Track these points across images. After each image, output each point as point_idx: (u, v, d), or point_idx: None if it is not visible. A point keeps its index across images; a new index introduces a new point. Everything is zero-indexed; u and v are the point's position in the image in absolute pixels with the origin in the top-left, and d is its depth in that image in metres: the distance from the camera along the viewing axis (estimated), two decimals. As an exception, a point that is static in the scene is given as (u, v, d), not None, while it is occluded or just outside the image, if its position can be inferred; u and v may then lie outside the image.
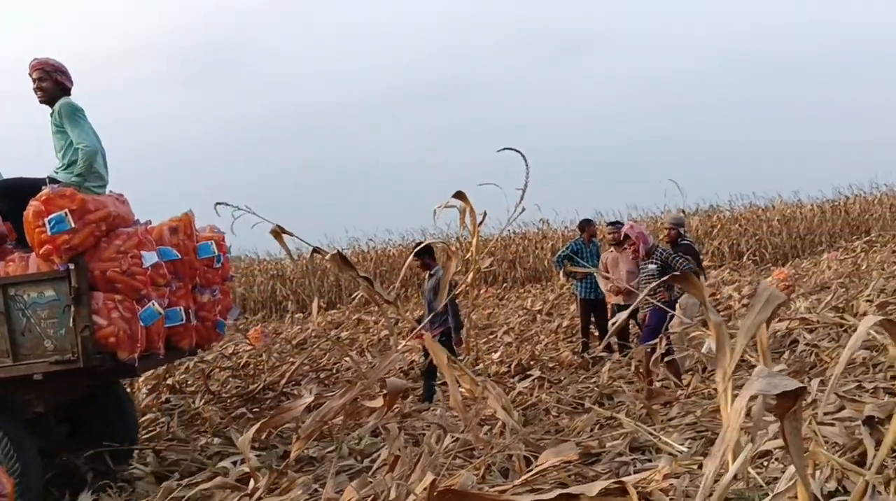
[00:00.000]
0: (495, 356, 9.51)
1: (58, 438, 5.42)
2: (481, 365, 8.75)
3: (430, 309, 8.03)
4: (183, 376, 9.28)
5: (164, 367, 9.05)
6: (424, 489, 2.97)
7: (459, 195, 4.06)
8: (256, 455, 5.03)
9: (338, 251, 4.49)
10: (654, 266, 7.08)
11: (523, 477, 3.57)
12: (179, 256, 5.60)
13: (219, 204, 4.40)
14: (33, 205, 4.72)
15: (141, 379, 8.81)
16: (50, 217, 4.67)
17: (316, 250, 5.64)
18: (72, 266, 4.70)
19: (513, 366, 8.78)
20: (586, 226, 9.84)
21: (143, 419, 7.33)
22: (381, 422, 6.08)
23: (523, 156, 4.04)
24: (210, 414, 7.42)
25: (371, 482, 3.43)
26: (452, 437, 4.90)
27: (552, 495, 2.31)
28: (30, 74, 5.28)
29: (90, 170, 5.19)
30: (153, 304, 5.00)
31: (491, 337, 11.44)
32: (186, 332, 5.67)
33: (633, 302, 7.39)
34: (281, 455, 5.73)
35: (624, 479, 2.59)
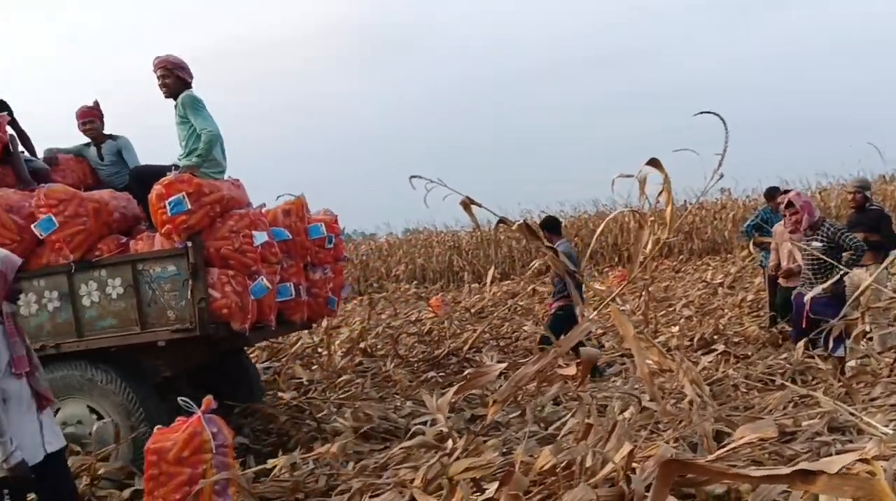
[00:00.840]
0: (675, 329, 9.32)
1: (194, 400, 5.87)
2: (661, 339, 8.62)
3: (555, 282, 8.06)
4: (373, 341, 9.82)
5: (358, 333, 9.62)
6: (623, 458, 3.04)
7: (653, 162, 4.00)
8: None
9: (524, 220, 4.57)
10: (819, 243, 6.29)
11: (716, 454, 3.52)
12: (290, 236, 5.96)
13: (413, 177, 4.59)
14: (156, 188, 5.12)
15: (336, 342, 9.44)
16: (170, 199, 5.03)
17: (502, 220, 5.76)
18: (189, 244, 5.08)
19: (695, 341, 8.58)
20: (773, 194, 9.35)
21: (339, 379, 7.87)
22: (562, 391, 6.19)
23: (722, 119, 3.92)
24: (400, 376, 7.83)
25: (567, 448, 3.52)
26: (637, 408, 4.92)
27: (784, 472, 2.28)
28: (154, 72, 5.69)
29: (209, 154, 5.57)
30: (262, 280, 5.34)
31: (669, 309, 11.21)
32: (298, 307, 6.03)
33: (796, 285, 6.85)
34: (468, 419, 5.97)
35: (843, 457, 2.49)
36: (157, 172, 5.53)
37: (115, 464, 5.01)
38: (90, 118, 6.43)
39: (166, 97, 5.68)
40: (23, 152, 6.12)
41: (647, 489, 2.95)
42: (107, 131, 6.51)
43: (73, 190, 5.45)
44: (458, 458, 3.88)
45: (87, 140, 6.52)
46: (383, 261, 23.55)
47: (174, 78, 5.62)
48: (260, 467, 4.77)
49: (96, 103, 6.47)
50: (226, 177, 5.79)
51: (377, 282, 21.91)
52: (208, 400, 3.99)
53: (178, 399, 4.06)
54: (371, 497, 4.05)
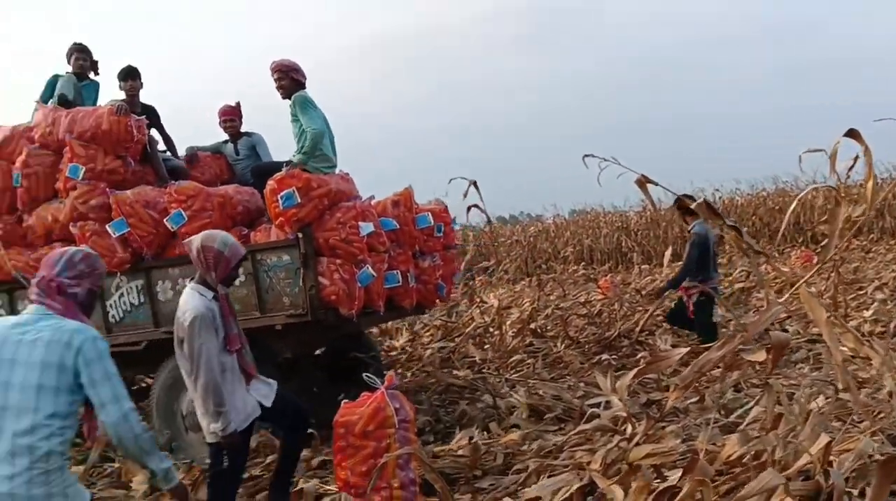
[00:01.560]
0: (867, 313, 8.66)
1: (318, 383, 6.04)
2: (852, 323, 8.03)
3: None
4: (543, 322, 9.83)
5: (528, 313, 9.66)
6: (819, 450, 2.87)
7: (852, 133, 3.71)
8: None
9: (704, 199, 4.39)
10: None
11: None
12: (398, 226, 6.14)
13: (587, 156, 4.52)
14: (270, 184, 5.45)
15: (507, 323, 9.54)
16: (282, 194, 5.35)
17: (683, 198, 5.58)
18: (300, 235, 5.38)
19: (891, 327, 7.93)
20: None
21: (511, 359, 7.94)
22: (743, 378, 5.92)
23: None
24: (571, 358, 7.80)
25: (757, 437, 3.37)
26: (826, 398, 4.63)
27: None
28: (271, 75, 5.93)
29: (315, 150, 5.76)
30: (368, 268, 5.55)
31: (860, 292, 10.43)
32: (407, 293, 6.20)
33: None
34: (643, 403, 5.86)
35: None
36: (273, 168, 5.89)
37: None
38: (231, 117, 6.94)
39: (283, 98, 5.94)
40: (165, 152, 6.70)
41: (847, 483, 2.78)
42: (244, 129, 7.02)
43: (201, 186, 5.88)
44: (637, 443, 3.81)
45: (225, 137, 7.03)
46: (550, 243, 23.42)
47: (289, 80, 5.88)
48: (439, 443, 4.92)
49: (238, 104, 6.95)
50: (336, 171, 6.00)
51: (545, 264, 21.84)
52: (390, 377, 4.10)
53: (364, 375, 4.24)
54: (548, 477, 4.07)
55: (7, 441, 2.49)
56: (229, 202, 5.85)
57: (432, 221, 6.55)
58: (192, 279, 4.12)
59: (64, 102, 6.25)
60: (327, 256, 5.46)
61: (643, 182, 4.52)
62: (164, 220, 5.71)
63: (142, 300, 5.85)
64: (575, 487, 3.72)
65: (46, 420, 2.51)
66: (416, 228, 6.46)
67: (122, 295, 5.91)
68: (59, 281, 2.76)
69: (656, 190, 4.39)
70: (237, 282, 5.44)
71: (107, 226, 5.74)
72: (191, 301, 3.87)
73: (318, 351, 6.96)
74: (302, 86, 5.92)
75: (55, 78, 6.47)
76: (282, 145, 6.72)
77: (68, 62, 6.61)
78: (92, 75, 6.70)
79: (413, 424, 4.08)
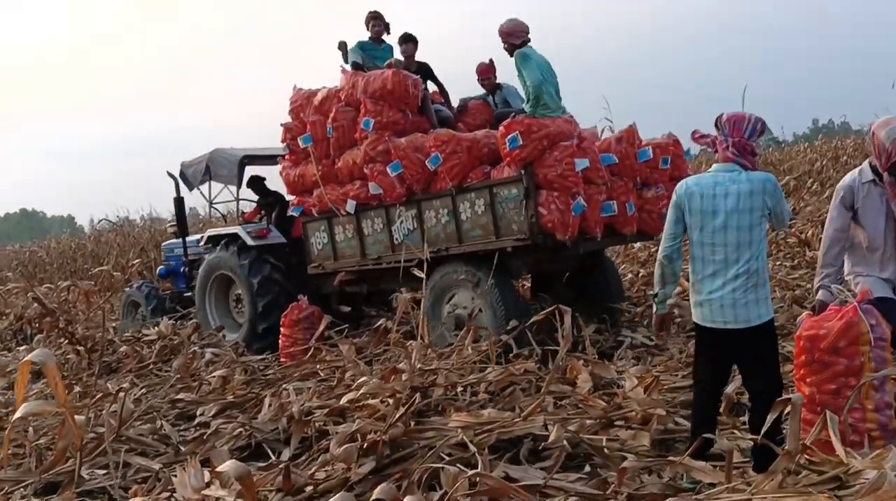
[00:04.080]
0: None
1: (567, 300, 6.51)
2: None
3: None
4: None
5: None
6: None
7: None
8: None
9: None
10: None
11: None
12: (617, 161, 6.82)
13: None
14: (500, 130, 6.49)
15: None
16: (508, 137, 6.33)
17: None
18: (523, 171, 6.34)
19: None
20: None
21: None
22: None
23: None
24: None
25: None
26: None
27: None
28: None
29: (539, 101, 6.55)
30: (580, 199, 6.35)
31: None
32: (626, 221, 6.91)
33: None
34: None
35: None
36: (507, 115, 6.91)
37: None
38: (486, 75, 8.03)
39: (511, 56, 6.76)
40: (439, 103, 8.01)
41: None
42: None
43: (454, 133, 7.07)
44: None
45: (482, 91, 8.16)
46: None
47: (507, 44, 6.74)
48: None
49: (491, 61, 7.95)
50: (561, 114, 6.71)
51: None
52: (864, 291, 3.79)
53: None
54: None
55: (733, 268, 3.48)
56: (476, 145, 6.94)
57: (652, 155, 7.03)
58: None
59: (357, 67, 7.83)
60: (546, 189, 6.37)
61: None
62: (426, 161, 7.01)
63: (414, 226, 7.30)
64: None
65: (755, 248, 3.49)
66: (637, 162, 7.01)
67: (402, 221, 7.41)
68: (750, 144, 3.55)
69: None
70: (479, 211, 6.66)
71: (387, 167, 7.23)
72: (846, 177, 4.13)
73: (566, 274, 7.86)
74: (521, 44, 6.72)
75: (346, 46, 8.07)
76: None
77: (367, 28, 8.19)
78: (386, 37, 8.20)
79: (889, 343, 3.73)
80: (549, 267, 7.69)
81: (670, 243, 3.67)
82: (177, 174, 10.33)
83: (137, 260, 19.42)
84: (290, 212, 8.71)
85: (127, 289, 12.06)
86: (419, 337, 5.95)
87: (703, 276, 3.58)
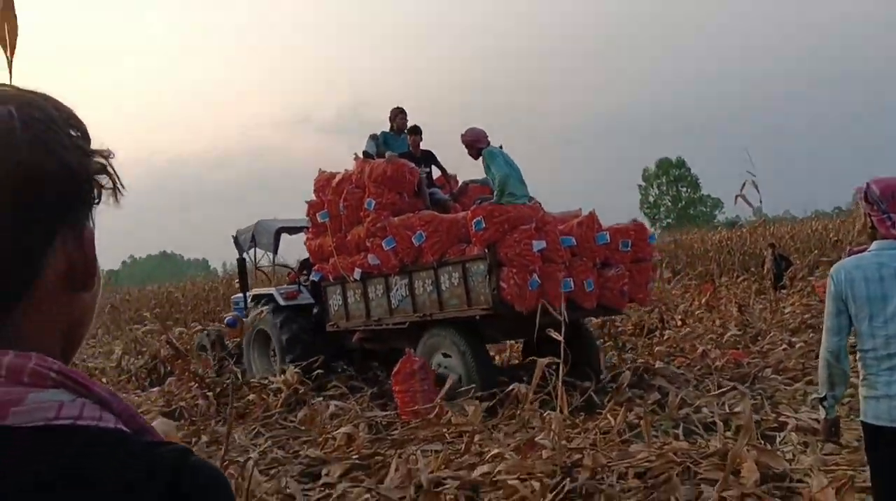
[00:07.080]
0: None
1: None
2: None
3: None
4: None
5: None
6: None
7: None
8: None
9: None
10: None
11: None
12: (575, 243, 7.72)
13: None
14: (468, 215, 7.64)
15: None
16: (474, 220, 7.50)
17: None
18: (487, 250, 7.38)
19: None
20: None
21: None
22: None
23: None
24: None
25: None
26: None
27: None
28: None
29: (503, 192, 7.72)
30: (535, 276, 7.30)
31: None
32: (585, 296, 7.69)
33: None
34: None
35: None
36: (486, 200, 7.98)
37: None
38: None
39: (475, 160, 7.92)
40: (436, 187, 9.24)
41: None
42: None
43: (435, 214, 8.14)
44: None
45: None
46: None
47: (473, 150, 7.93)
48: None
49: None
50: (526, 201, 7.74)
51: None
52: None
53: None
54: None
55: None
56: (454, 226, 8.05)
57: (609, 239, 7.93)
58: None
59: (368, 156, 9.15)
60: (507, 266, 7.38)
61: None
62: (411, 238, 8.15)
63: (406, 293, 8.41)
64: None
65: None
66: (596, 244, 7.90)
67: (397, 288, 8.53)
68: None
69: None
70: (455, 283, 7.72)
71: (382, 242, 8.42)
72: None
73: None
74: (483, 147, 7.92)
75: (369, 137, 9.42)
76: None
77: (391, 121, 9.54)
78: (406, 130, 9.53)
79: None
80: (523, 336, 8.58)
81: (835, 338, 3.10)
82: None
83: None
84: (311, 277, 10.00)
85: (198, 335, 13.35)
86: (558, 409, 5.51)
87: (878, 370, 3.01)
